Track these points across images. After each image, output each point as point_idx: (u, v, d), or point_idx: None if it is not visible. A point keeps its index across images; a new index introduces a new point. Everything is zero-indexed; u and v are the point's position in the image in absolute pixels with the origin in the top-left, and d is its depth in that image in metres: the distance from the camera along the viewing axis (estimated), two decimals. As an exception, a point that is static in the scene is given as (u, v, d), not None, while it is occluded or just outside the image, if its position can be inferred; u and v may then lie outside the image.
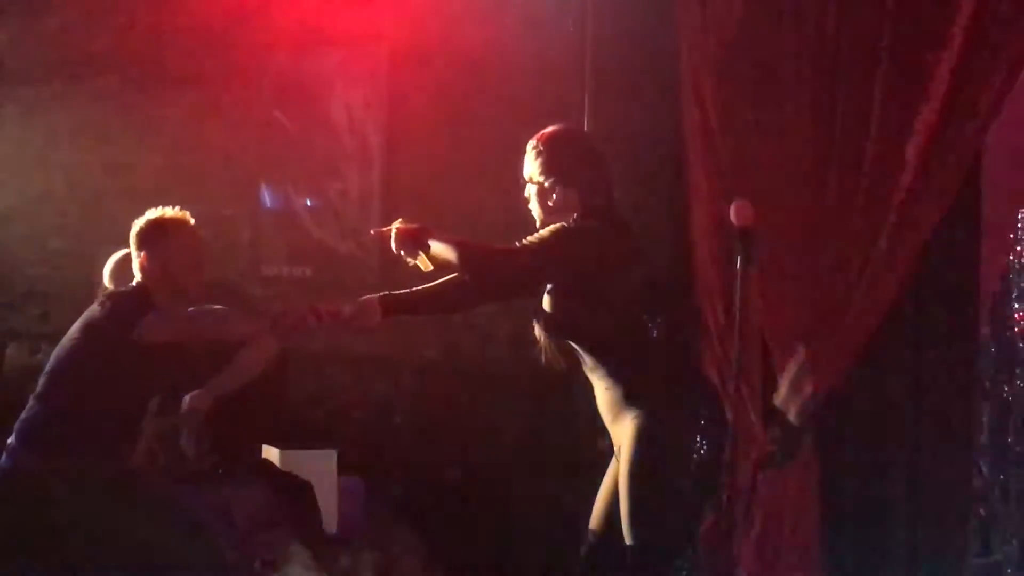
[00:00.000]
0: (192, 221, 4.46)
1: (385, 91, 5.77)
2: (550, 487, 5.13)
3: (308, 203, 6.03)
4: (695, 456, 3.72)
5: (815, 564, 4.53)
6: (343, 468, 4.43)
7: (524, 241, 3.75)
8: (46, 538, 1.15)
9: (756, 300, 4.44)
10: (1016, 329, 4.65)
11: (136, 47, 6.46)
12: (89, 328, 4.30)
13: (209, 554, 1.21)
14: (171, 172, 6.31)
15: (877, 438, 4.56)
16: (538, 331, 3.86)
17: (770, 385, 4.54)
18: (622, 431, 3.73)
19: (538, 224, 3.86)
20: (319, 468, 4.32)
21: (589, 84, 5.07)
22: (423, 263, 3.84)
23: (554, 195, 3.82)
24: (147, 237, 4.38)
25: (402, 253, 3.87)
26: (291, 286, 5.93)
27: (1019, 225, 4.62)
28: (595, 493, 3.94)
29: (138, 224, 4.42)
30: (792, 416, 4.46)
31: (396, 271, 4.52)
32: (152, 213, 4.43)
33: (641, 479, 3.65)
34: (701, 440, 3.73)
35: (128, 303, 4.30)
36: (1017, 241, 4.62)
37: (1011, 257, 4.64)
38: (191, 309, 4.32)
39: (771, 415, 4.52)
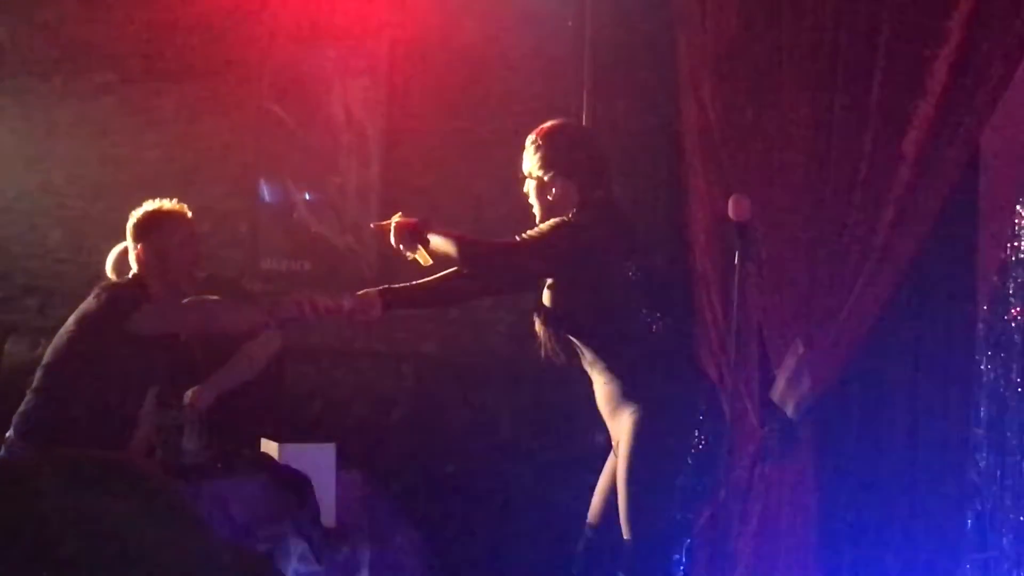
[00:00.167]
0: (189, 214, 4.46)
1: (384, 86, 5.78)
2: (548, 481, 5.13)
3: (307, 197, 6.03)
4: (693, 451, 3.72)
5: (812, 558, 4.53)
6: (342, 462, 4.43)
7: (523, 235, 3.75)
8: (39, 530, 1.15)
9: (754, 295, 4.44)
10: (1014, 324, 4.66)
11: (135, 41, 6.46)
12: (84, 320, 4.30)
13: (205, 548, 1.21)
14: (170, 166, 6.32)
15: (874, 432, 4.56)
16: (538, 325, 3.87)
17: (768, 379, 4.54)
18: (620, 426, 3.74)
19: (538, 219, 3.87)
20: (318, 462, 4.32)
21: (588, 80, 5.08)
22: (422, 257, 3.85)
23: (553, 189, 3.83)
24: (144, 229, 4.38)
25: (401, 247, 3.88)
26: (290, 280, 5.94)
27: (1017, 219, 4.62)
28: (593, 487, 3.95)
29: (135, 215, 4.42)
30: (789, 410, 4.47)
31: (394, 265, 4.53)
32: (149, 205, 4.43)
33: (639, 474, 3.66)
34: (699, 435, 3.73)
35: (123, 295, 4.30)
36: (1015, 235, 4.62)
37: (1009, 251, 4.64)
38: (186, 300, 4.32)
39: (769, 409, 4.53)
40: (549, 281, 3.84)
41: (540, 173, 3.84)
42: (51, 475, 1.36)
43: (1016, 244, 4.63)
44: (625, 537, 3.68)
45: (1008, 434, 4.68)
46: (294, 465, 4.29)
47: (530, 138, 3.90)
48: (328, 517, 4.26)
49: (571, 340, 3.83)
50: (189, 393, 4.45)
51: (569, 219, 3.77)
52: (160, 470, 4.08)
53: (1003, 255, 4.63)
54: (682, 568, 3.79)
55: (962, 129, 4.27)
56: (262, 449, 4.48)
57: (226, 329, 4.46)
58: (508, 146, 4.12)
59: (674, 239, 4.85)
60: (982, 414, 4.65)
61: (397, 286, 4.08)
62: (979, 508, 4.66)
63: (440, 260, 3.90)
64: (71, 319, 4.37)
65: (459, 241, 3.77)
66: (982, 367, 4.65)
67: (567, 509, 4.41)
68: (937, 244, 4.42)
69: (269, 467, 4.34)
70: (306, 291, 4.38)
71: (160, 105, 6.42)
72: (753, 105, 4.58)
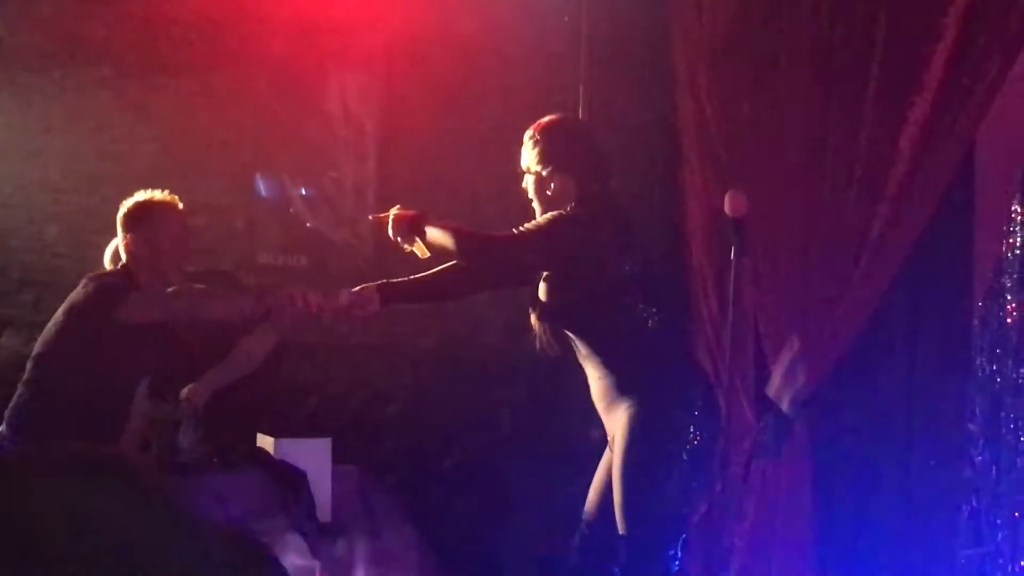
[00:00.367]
0: (180, 205, 4.46)
1: (381, 80, 5.77)
2: (544, 476, 5.13)
3: (303, 192, 6.03)
4: (688, 446, 3.72)
5: (807, 554, 4.54)
6: (337, 457, 4.43)
7: (521, 228, 3.75)
8: (27, 526, 1.14)
9: (750, 290, 4.45)
10: (1009, 320, 4.66)
11: (131, 35, 6.45)
12: (72, 311, 4.30)
13: (197, 544, 1.20)
14: (166, 160, 6.31)
15: (869, 429, 4.57)
16: (533, 318, 3.87)
17: (763, 375, 4.55)
18: (616, 421, 3.74)
19: (537, 214, 3.86)
20: (313, 456, 4.32)
21: (584, 75, 5.08)
22: (419, 249, 3.85)
23: (552, 184, 3.82)
24: (134, 219, 4.38)
25: (399, 239, 3.88)
26: (286, 275, 5.93)
27: (1012, 215, 4.62)
28: (589, 482, 3.95)
29: (125, 206, 4.42)
30: (785, 406, 4.47)
31: (391, 260, 4.53)
32: (141, 195, 4.43)
33: (635, 469, 3.66)
34: (694, 430, 3.73)
35: (110, 284, 4.28)
36: (1010, 232, 4.63)
37: (1004, 247, 4.65)
38: (172, 288, 4.30)
39: (764, 405, 4.54)
40: (545, 274, 3.84)
41: (538, 168, 3.84)
42: (40, 470, 1.35)
43: (1011, 240, 4.63)
44: (620, 532, 3.69)
45: (1003, 430, 4.68)
46: (290, 460, 4.30)
47: (528, 133, 3.89)
48: (324, 512, 4.27)
49: (566, 334, 3.83)
50: (186, 390, 4.45)
51: (566, 213, 3.77)
52: (153, 464, 4.08)
53: (999, 251, 4.63)
54: (677, 562, 3.78)
55: (958, 125, 4.27)
56: (258, 444, 4.48)
57: (215, 317, 4.43)
58: (505, 141, 4.11)
59: (670, 234, 4.85)
60: (977, 410, 4.65)
61: (395, 281, 4.08)
62: (974, 504, 4.67)
63: (437, 253, 3.90)
64: (60, 310, 4.36)
65: (456, 233, 3.77)
66: (977, 363, 4.65)
67: (564, 503, 4.42)
68: (933, 240, 4.43)
69: (265, 462, 4.34)
70: (301, 286, 4.38)
71: (157, 100, 6.41)
72: (750, 100, 4.58)
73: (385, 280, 4.09)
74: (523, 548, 5.15)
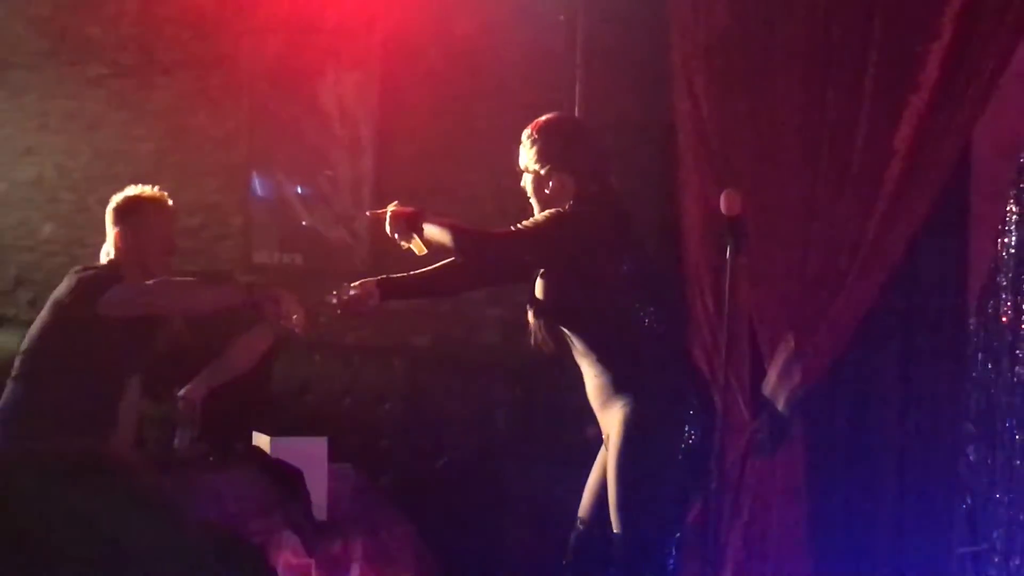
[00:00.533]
0: (170, 202, 4.45)
1: (377, 79, 5.77)
2: (540, 474, 5.14)
3: (299, 191, 6.03)
4: (683, 445, 3.73)
5: (802, 552, 4.54)
6: (333, 455, 4.43)
7: (519, 226, 3.75)
8: (13, 525, 1.14)
9: (745, 289, 4.45)
10: (1004, 319, 4.67)
11: (127, 34, 6.46)
12: (55, 306, 4.29)
13: (188, 544, 1.19)
14: (162, 159, 6.32)
15: (865, 427, 4.58)
16: (530, 315, 3.88)
17: (759, 373, 4.55)
18: (611, 419, 3.74)
19: (536, 213, 3.86)
20: (310, 455, 4.32)
21: (580, 73, 5.08)
22: (417, 246, 3.85)
23: (551, 183, 3.82)
24: (122, 213, 4.38)
25: (396, 236, 3.88)
26: (282, 274, 5.93)
27: (1007, 215, 4.63)
28: (584, 481, 3.95)
29: (115, 200, 4.42)
30: (780, 404, 4.48)
31: (387, 258, 4.53)
32: (131, 190, 4.43)
33: (629, 468, 3.66)
34: (689, 429, 3.73)
35: (92, 279, 4.27)
36: (1006, 230, 4.63)
37: (999, 246, 4.65)
38: (152, 281, 4.28)
39: (759, 403, 4.54)
40: (542, 271, 3.85)
41: (537, 167, 3.84)
42: (27, 469, 1.35)
43: (1007, 239, 4.63)
44: (615, 531, 3.69)
45: (998, 428, 4.69)
46: (286, 458, 4.29)
47: (526, 132, 3.89)
48: (320, 510, 4.26)
49: (563, 331, 3.83)
50: (183, 389, 4.44)
51: (564, 211, 3.77)
52: (145, 462, 4.06)
53: (994, 250, 4.64)
54: (672, 561, 3.78)
55: (954, 124, 4.28)
56: (254, 442, 4.48)
57: (199, 309, 4.39)
58: (501, 140, 4.12)
59: (666, 233, 4.85)
60: (972, 408, 4.66)
61: (395, 276, 4.09)
62: (969, 502, 4.67)
63: (435, 250, 3.90)
64: (46, 306, 4.36)
65: (454, 231, 3.77)
66: (973, 362, 4.66)
67: (559, 502, 4.42)
68: (928, 238, 4.44)
69: (261, 460, 4.33)
70: (297, 287, 4.38)
71: (152, 98, 6.41)
72: (746, 99, 4.59)
73: (385, 276, 4.09)
74: (519, 547, 5.15)
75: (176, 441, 4.39)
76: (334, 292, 4.04)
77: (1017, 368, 4.66)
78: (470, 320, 5.52)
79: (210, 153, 6.24)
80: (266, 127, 6.06)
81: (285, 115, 6.01)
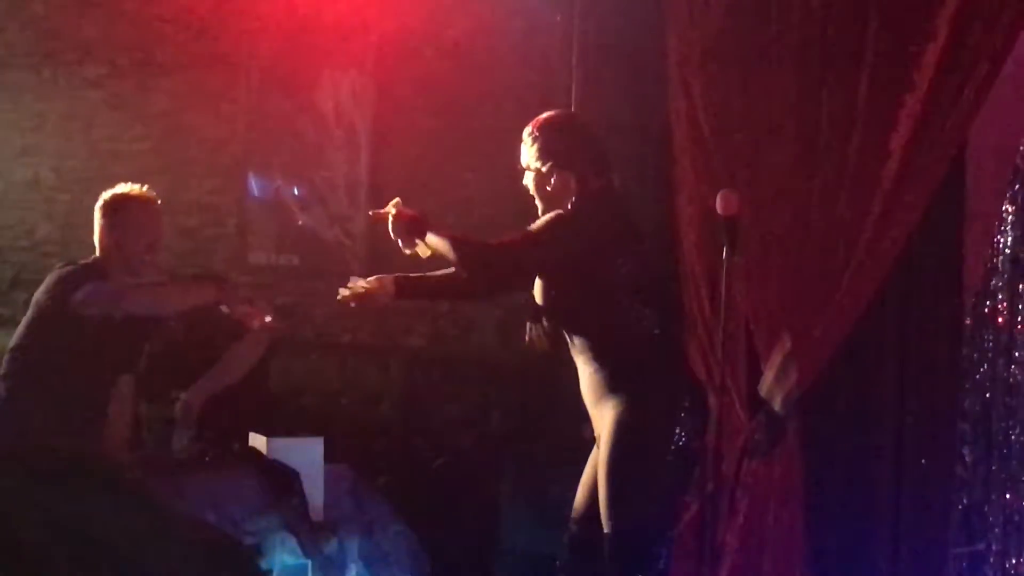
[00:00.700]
0: (158, 201, 4.44)
1: (372, 80, 5.77)
2: (535, 474, 5.14)
3: (295, 191, 6.02)
4: (674, 446, 3.73)
5: (799, 553, 4.55)
6: (330, 456, 4.43)
7: (520, 233, 3.73)
8: (2, 525, 1.13)
9: (741, 289, 4.45)
10: (1000, 319, 4.67)
11: (123, 34, 6.45)
12: (35, 304, 4.29)
13: (177, 544, 1.19)
14: (159, 160, 6.31)
15: (861, 427, 4.58)
16: (528, 313, 3.88)
17: (755, 374, 4.55)
18: (603, 418, 3.74)
19: (540, 210, 3.86)
20: (306, 456, 4.32)
21: (576, 74, 5.08)
22: (421, 250, 3.83)
23: (552, 180, 3.81)
24: (108, 210, 4.37)
25: (399, 242, 3.86)
26: (278, 274, 5.93)
27: (1003, 215, 4.64)
28: (578, 481, 3.95)
29: (103, 197, 4.41)
30: (777, 405, 4.48)
31: (383, 259, 4.52)
32: (119, 188, 4.42)
33: (619, 467, 3.66)
34: (680, 430, 3.74)
35: (69, 276, 4.25)
36: (1001, 231, 4.64)
37: (994, 247, 4.66)
38: (129, 281, 4.26)
39: (756, 404, 4.54)
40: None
41: (538, 164, 3.83)
42: (15, 469, 1.34)
43: (1002, 240, 4.64)
44: (605, 530, 3.69)
45: (994, 429, 4.70)
46: (282, 459, 4.29)
47: (527, 130, 3.88)
48: (316, 511, 4.26)
49: (560, 328, 3.83)
50: (184, 395, 4.43)
51: (564, 213, 3.76)
52: (137, 462, 4.06)
53: (989, 250, 4.64)
54: (662, 561, 3.78)
55: (949, 125, 4.29)
56: (250, 443, 4.48)
57: (169, 309, 4.37)
58: (496, 140, 4.11)
59: (662, 233, 4.86)
60: (968, 408, 4.66)
61: (412, 275, 4.08)
62: (965, 502, 4.68)
63: (436, 259, 3.88)
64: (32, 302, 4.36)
65: (455, 243, 3.74)
66: (969, 362, 4.66)
67: (553, 501, 4.42)
68: (923, 239, 4.44)
69: (257, 461, 4.33)
70: (293, 288, 4.38)
71: (149, 99, 6.41)
72: (741, 100, 4.59)
73: (402, 274, 4.08)
74: (513, 546, 5.15)
75: (172, 440, 4.38)
76: (348, 284, 4.03)
77: (1013, 369, 4.67)
78: (466, 321, 5.52)
79: (207, 154, 6.24)
80: (262, 128, 6.06)
81: (281, 116, 6.01)
